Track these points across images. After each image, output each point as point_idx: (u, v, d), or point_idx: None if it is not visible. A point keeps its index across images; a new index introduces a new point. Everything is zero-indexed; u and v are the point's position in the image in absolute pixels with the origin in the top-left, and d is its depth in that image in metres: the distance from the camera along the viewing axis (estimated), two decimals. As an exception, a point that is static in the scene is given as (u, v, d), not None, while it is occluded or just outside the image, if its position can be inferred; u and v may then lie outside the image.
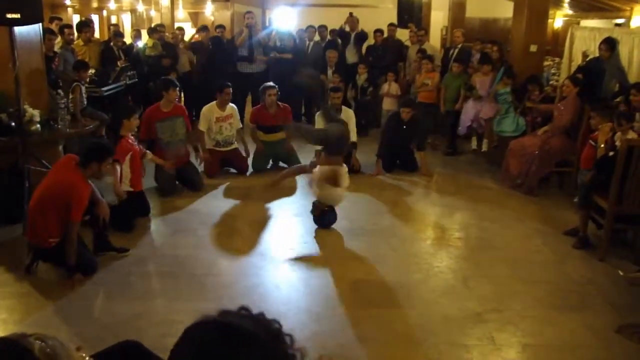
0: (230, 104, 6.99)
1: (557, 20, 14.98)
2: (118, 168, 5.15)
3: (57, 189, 4.12)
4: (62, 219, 4.09)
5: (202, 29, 10.23)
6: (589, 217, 5.02)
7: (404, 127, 7.19)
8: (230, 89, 6.88)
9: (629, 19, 12.30)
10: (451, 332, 3.63)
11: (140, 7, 17.04)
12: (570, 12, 14.28)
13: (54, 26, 8.26)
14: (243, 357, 1.20)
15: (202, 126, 6.87)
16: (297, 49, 9.52)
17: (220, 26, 9.85)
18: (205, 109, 6.98)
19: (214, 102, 6.95)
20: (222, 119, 6.90)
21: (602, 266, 4.63)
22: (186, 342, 1.27)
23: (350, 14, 9.80)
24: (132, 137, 5.53)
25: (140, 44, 9.54)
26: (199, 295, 4.01)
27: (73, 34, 8.09)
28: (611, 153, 4.66)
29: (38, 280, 4.19)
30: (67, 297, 3.96)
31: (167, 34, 10.35)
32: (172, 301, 3.93)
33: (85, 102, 6.92)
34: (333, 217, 5.37)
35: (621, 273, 4.23)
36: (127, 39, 10.06)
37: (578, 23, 12.75)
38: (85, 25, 8.76)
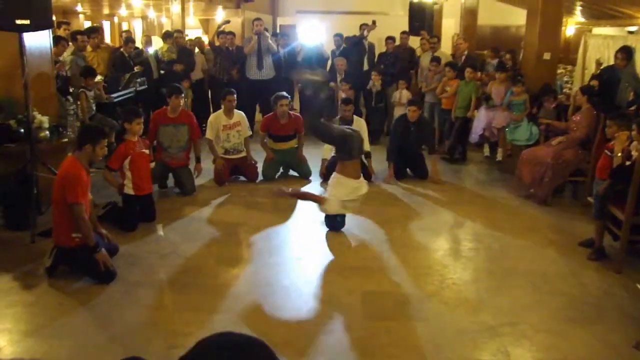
0: (238, 112, 6.97)
1: (569, 27, 14.86)
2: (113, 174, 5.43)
3: (58, 182, 4.16)
4: None
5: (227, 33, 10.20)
6: (605, 228, 4.92)
7: (412, 128, 7.13)
8: (234, 95, 6.86)
9: (642, 26, 12.20)
10: (465, 346, 3.53)
11: (152, 14, 17.04)
12: (582, 19, 14.15)
13: (61, 31, 8.26)
14: None
15: (209, 134, 6.85)
16: (324, 63, 9.56)
17: (230, 33, 9.80)
18: (212, 117, 7.00)
19: (221, 110, 6.95)
20: (229, 127, 6.87)
21: (618, 278, 4.52)
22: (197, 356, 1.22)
23: (373, 21, 9.75)
24: (139, 141, 5.51)
25: (150, 50, 9.50)
26: (207, 306, 3.93)
27: (86, 41, 8.10)
28: (628, 162, 4.56)
29: (45, 289, 4.13)
30: (74, 306, 3.90)
31: (185, 37, 10.31)
32: (180, 311, 3.86)
33: (95, 109, 6.89)
34: (343, 221, 5.37)
35: (639, 286, 4.13)
36: (138, 46, 10.04)
37: (590, 31, 12.64)
38: (93, 31, 8.77)
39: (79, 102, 6.61)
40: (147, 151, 5.62)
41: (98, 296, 4.03)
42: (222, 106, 6.94)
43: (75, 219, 4.10)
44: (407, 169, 7.33)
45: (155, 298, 4.04)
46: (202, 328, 3.63)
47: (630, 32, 12.57)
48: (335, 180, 5.09)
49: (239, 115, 6.98)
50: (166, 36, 9.70)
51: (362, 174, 5.27)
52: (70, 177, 4.10)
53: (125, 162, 5.38)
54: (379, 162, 7.32)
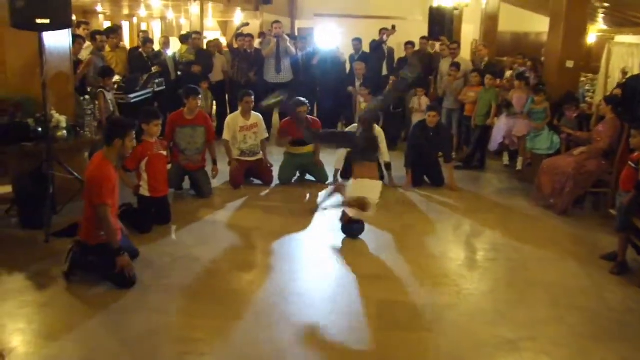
0: (255, 113, 6.92)
1: (591, 35, 14.67)
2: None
3: (88, 181, 4.14)
4: None
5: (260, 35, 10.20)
6: (629, 242, 4.79)
7: (431, 134, 7.05)
8: (252, 97, 6.83)
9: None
10: (483, 360, 3.45)
11: (170, 15, 17.11)
12: (604, 27, 13.96)
13: (81, 31, 8.28)
14: None
15: (226, 135, 6.82)
16: (339, 67, 9.52)
17: (249, 35, 9.77)
18: (229, 117, 7.00)
19: (238, 111, 6.93)
20: (246, 128, 6.83)
21: (642, 294, 4.41)
22: None
23: (393, 26, 9.69)
24: (157, 142, 5.49)
25: (169, 52, 9.50)
26: (219, 313, 3.87)
27: (105, 41, 8.11)
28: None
29: (58, 290, 4.10)
30: (86, 309, 3.86)
31: (203, 39, 10.31)
32: (191, 317, 3.80)
33: (112, 109, 6.88)
34: (361, 227, 5.30)
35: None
36: (156, 47, 10.06)
37: (612, 39, 12.46)
38: (112, 32, 8.77)
39: (96, 102, 6.60)
40: (164, 153, 5.59)
41: (110, 299, 3.98)
42: (240, 107, 6.91)
43: (100, 219, 4.06)
44: (425, 176, 7.24)
45: (166, 303, 3.98)
46: (213, 335, 3.58)
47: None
48: (356, 184, 5.03)
49: (257, 117, 6.94)
50: (185, 39, 9.70)
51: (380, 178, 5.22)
52: (98, 177, 4.06)
53: (142, 163, 5.36)
54: (397, 169, 7.24)
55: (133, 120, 6.61)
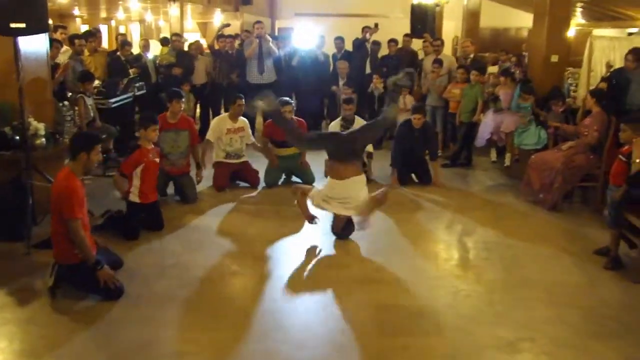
0: (242, 118, 6.84)
1: (570, 29, 14.74)
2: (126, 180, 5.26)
3: (53, 197, 3.95)
4: None
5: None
6: (621, 236, 4.75)
7: (416, 134, 7.03)
8: (243, 100, 6.71)
9: (643, 27, 12.08)
10: (484, 363, 3.37)
11: (149, 17, 16.91)
12: (582, 21, 14.04)
13: (58, 35, 8.08)
14: None
15: (210, 136, 6.72)
16: (319, 67, 9.41)
17: (231, 36, 9.63)
18: (217, 119, 6.94)
19: (227, 113, 6.85)
20: (233, 131, 6.73)
21: (637, 289, 4.36)
22: None
23: (375, 24, 9.61)
24: (153, 149, 5.36)
25: (149, 54, 9.32)
26: (210, 323, 3.74)
27: (83, 44, 7.92)
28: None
29: (41, 306, 3.93)
30: (71, 324, 3.71)
31: (183, 41, 10.14)
32: (183, 329, 3.67)
33: (93, 115, 6.71)
34: (351, 228, 5.22)
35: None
36: (135, 49, 9.88)
37: (590, 32, 12.51)
38: (91, 35, 8.57)
39: (76, 108, 6.43)
40: (157, 160, 5.46)
41: (97, 313, 3.83)
42: (231, 110, 6.84)
43: (72, 235, 3.90)
44: (412, 174, 7.18)
45: (156, 315, 3.84)
46: (207, 348, 3.45)
47: (630, 34, 12.46)
48: (343, 185, 4.98)
49: (243, 121, 6.86)
50: (165, 41, 9.54)
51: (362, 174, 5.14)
52: (66, 191, 3.88)
53: (138, 169, 5.23)
54: (384, 168, 7.17)
55: (108, 132, 6.51)
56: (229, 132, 6.71)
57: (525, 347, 3.52)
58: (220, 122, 6.77)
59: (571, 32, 14.60)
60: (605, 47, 8.87)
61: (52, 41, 6.78)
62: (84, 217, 4.05)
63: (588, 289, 4.36)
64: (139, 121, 5.34)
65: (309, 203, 5.20)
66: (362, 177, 5.02)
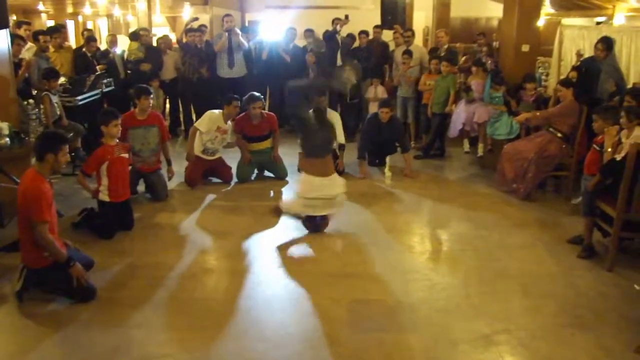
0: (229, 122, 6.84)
1: (540, 19, 14.84)
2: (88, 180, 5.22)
3: (20, 200, 3.82)
4: None
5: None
6: (594, 225, 4.78)
7: (383, 128, 7.09)
8: (239, 102, 6.73)
9: (610, 17, 12.22)
10: (460, 358, 3.34)
11: (117, 12, 16.59)
12: (551, 10, 14.14)
13: (22, 31, 7.85)
14: None
15: (201, 125, 6.63)
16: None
17: (200, 29, 9.47)
18: (212, 114, 6.74)
19: (222, 111, 6.74)
20: (221, 131, 6.72)
21: (611, 277, 4.39)
22: None
23: (346, 16, 9.54)
24: (118, 145, 5.22)
25: (117, 50, 9.12)
26: (184, 324, 3.67)
27: (48, 41, 7.70)
28: (618, 157, 4.41)
29: (8, 311, 3.82)
30: (40, 329, 3.60)
31: (152, 36, 9.96)
32: (155, 331, 3.59)
33: (59, 113, 6.55)
34: (325, 222, 5.23)
35: (637, 287, 3.99)
36: (104, 45, 9.67)
37: (560, 22, 12.61)
38: (56, 31, 8.33)
39: (42, 106, 6.26)
40: (126, 155, 5.31)
41: (67, 317, 3.73)
42: (226, 111, 6.73)
43: (40, 238, 3.78)
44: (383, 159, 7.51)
45: (128, 317, 3.75)
46: (180, 350, 3.38)
47: (599, 23, 12.60)
48: (302, 177, 5.06)
49: (229, 125, 6.83)
50: (134, 36, 9.34)
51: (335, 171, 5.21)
52: (34, 194, 3.75)
53: (103, 168, 5.09)
54: (354, 158, 7.24)
55: (76, 130, 6.34)
56: (219, 131, 6.67)
57: (501, 340, 3.51)
58: (214, 119, 6.67)
59: (541, 22, 14.75)
60: (575, 36, 8.95)
61: (15, 37, 6.58)
62: (52, 219, 3.94)
63: (563, 279, 4.38)
64: (99, 117, 5.17)
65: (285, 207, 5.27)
66: (335, 175, 5.15)
